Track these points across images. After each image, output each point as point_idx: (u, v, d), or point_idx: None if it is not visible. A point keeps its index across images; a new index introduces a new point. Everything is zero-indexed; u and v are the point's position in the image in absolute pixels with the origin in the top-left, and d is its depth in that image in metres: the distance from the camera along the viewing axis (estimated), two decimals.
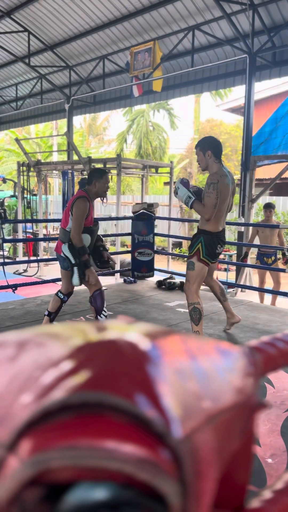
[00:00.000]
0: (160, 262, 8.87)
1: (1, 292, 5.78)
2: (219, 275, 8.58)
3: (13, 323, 4.32)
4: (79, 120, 25.84)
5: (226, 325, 4.10)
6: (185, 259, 12.37)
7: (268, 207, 6.14)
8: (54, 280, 5.72)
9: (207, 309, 4.96)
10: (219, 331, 4.12)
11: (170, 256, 7.83)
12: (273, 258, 6.11)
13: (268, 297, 6.21)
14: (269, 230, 6.05)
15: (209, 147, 3.39)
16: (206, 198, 3.31)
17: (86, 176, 7.62)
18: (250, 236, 6.27)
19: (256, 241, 6.28)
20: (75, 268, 3.53)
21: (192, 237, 3.62)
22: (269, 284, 6.33)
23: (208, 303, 5.28)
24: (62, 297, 3.84)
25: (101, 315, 3.78)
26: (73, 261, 3.52)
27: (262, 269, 6.16)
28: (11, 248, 10.89)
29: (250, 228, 6.56)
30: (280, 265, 6.12)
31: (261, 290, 6.01)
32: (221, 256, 8.99)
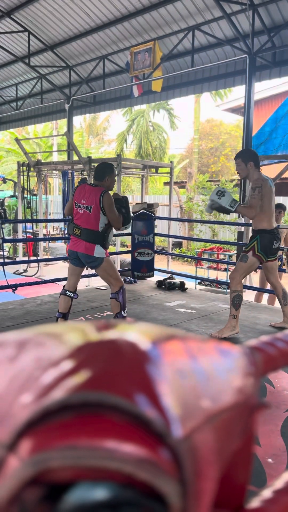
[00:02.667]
0: (160, 262, 8.87)
1: (1, 292, 5.78)
2: (219, 275, 8.59)
3: (13, 323, 4.32)
4: (79, 120, 25.88)
5: (276, 323, 4.33)
6: (185, 259, 12.16)
7: (278, 207, 5.77)
8: (54, 280, 5.72)
9: (207, 309, 4.96)
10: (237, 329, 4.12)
11: (170, 256, 7.83)
12: (279, 263, 5.91)
13: (264, 300, 6.10)
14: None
15: (250, 159, 3.77)
16: (252, 200, 3.69)
17: (86, 176, 7.65)
18: None
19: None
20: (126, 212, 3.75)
21: (250, 238, 3.95)
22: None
23: (208, 303, 5.28)
24: (72, 295, 3.89)
25: (125, 311, 3.88)
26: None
27: (263, 274, 5.96)
28: (11, 248, 10.89)
29: (250, 228, 6.53)
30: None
31: (261, 290, 5.96)
32: (221, 256, 8.99)
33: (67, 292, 3.88)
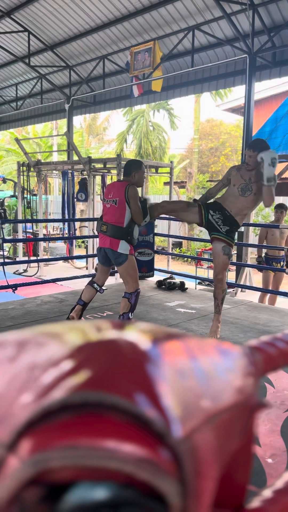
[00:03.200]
0: (160, 262, 8.87)
1: (1, 292, 5.78)
2: None
3: (13, 323, 4.32)
4: (79, 120, 25.86)
5: None
6: (185, 259, 12.11)
7: (280, 207, 5.75)
8: (54, 280, 5.72)
9: (207, 309, 4.96)
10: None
11: (170, 256, 7.83)
12: (282, 263, 5.79)
13: (265, 300, 6.07)
14: (279, 233, 5.69)
15: (261, 151, 3.65)
16: (271, 190, 3.63)
17: (86, 176, 7.65)
18: (259, 238, 5.93)
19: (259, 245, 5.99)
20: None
21: (231, 225, 3.79)
22: None
23: (208, 303, 5.28)
24: (99, 288, 3.97)
25: (132, 314, 3.88)
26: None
27: (266, 275, 5.91)
28: (11, 248, 10.89)
29: (250, 228, 6.53)
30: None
31: (261, 290, 5.94)
32: None
33: (94, 283, 3.94)
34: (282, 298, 6.39)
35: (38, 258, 8.51)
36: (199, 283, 7.92)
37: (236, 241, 3.92)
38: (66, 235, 9.50)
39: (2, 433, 0.25)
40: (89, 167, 7.36)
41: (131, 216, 3.66)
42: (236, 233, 3.90)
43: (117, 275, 6.98)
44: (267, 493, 0.42)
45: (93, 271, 7.75)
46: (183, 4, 7.66)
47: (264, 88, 14.23)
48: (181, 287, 5.98)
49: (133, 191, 3.65)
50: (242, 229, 7.17)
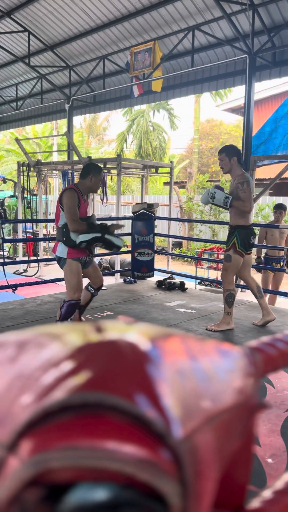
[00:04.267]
0: (160, 262, 8.87)
1: (1, 292, 5.78)
2: (219, 275, 8.58)
3: (13, 323, 4.32)
4: (79, 120, 25.87)
5: (258, 322, 4.35)
6: (185, 259, 12.16)
7: (279, 208, 5.73)
8: (54, 280, 5.71)
9: (207, 309, 4.96)
10: (219, 331, 4.12)
11: (170, 256, 7.83)
12: (281, 263, 5.76)
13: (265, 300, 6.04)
14: (279, 233, 5.68)
15: (234, 154, 3.90)
16: (242, 194, 3.81)
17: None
18: (259, 238, 5.84)
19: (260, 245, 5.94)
20: (109, 236, 3.42)
21: (228, 235, 4.07)
22: None
23: (208, 303, 5.28)
24: (93, 291, 3.91)
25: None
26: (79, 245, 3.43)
27: (265, 275, 5.90)
28: (11, 248, 10.89)
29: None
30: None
31: (263, 291, 5.91)
32: (221, 256, 8.98)
33: (89, 287, 3.92)
34: (282, 298, 6.39)
35: (38, 258, 8.50)
36: (199, 283, 7.91)
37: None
38: None
39: (2, 434, 0.25)
40: None
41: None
42: (237, 235, 4.00)
43: (117, 275, 6.98)
44: (267, 493, 0.42)
45: None
46: (183, 4, 7.66)
47: (264, 88, 14.24)
48: (181, 287, 5.98)
49: (67, 197, 3.46)
50: None
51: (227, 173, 3.98)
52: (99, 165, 3.85)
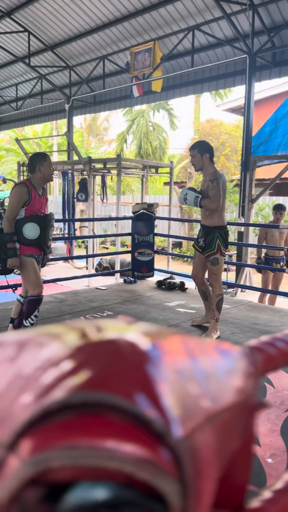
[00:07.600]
0: (160, 262, 8.87)
1: (1, 292, 5.78)
2: None
3: None
4: (79, 120, 25.86)
5: (193, 320, 4.37)
6: (185, 259, 12.17)
7: (278, 208, 5.70)
8: (54, 280, 5.71)
9: None
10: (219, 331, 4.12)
11: (170, 256, 7.82)
12: (281, 263, 5.75)
13: (265, 300, 6.05)
14: (279, 233, 5.67)
15: (206, 151, 3.77)
16: (211, 191, 3.71)
17: (86, 176, 7.65)
18: (258, 239, 5.88)
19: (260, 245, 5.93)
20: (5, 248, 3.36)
21: (206, 237, 3.92)
22: None
23: None
24: (22, 300, 3.73)
25: (27, 321, 3.61)
26: None
27: (265, 275, 5.90)
28: None
29: (250, 228, 6.51)
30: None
31: (261, 290, 5.93)
32: None
33: (18, 297, 3.80)
34: (282, 298, 6.39)
35: None
36: None
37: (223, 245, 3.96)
38: (66, 235, 9.50)
39: (2, 433, 0.25)
40: (89, 167, 7.36)
41: (23, 214, 3.42)
42: (218, 236, 3.90)
43: (117, 275, 6.98)
44: (267, 493, 0.42)
45: (93, 271, 7.75)
46: (183, 4, 7.66)
47: (264, 88, 14.25)
48: (181, 287, 5.98)
49: (12, 194, 3.37)
50: (242, 229, 7.17)
51: (199, 170, 3.84)
52: (40, 152, 3.68)
